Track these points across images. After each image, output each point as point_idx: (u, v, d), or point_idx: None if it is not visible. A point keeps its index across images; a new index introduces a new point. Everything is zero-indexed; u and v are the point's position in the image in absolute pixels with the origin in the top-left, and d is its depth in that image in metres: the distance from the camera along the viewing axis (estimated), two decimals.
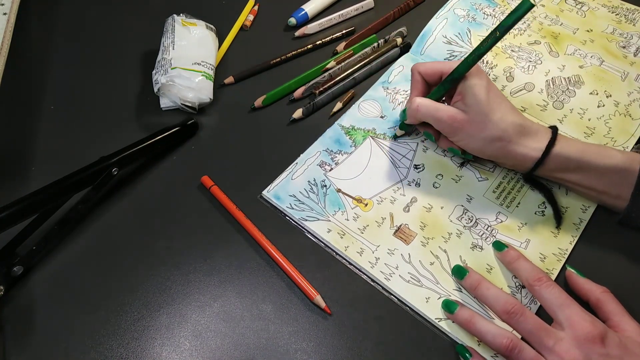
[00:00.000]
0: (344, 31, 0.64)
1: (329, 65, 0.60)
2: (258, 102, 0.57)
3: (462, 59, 0.47)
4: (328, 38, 0.63)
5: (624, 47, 0.61)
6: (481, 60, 0.59)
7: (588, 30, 0.63)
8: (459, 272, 0.45)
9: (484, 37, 0.45)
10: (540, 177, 0.49)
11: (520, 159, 0.47)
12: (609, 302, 0.42)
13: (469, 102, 0.46)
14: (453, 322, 0.43)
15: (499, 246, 0.46)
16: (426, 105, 0.48)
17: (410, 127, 0.53)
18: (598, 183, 0.46)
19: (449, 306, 0.43)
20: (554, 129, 0.47)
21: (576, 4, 0.66)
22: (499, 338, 0.39)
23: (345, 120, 0.56)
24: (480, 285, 0.43)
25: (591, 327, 0.38)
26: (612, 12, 0.65)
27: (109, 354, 0.42)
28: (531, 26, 0.64)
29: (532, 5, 0.42)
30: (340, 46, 0.63)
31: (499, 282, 0.45)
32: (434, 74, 0.50)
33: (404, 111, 0.52)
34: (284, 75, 0.59)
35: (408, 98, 0.52)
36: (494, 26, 0.63)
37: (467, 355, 0.41)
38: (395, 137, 0.54)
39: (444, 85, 0.48)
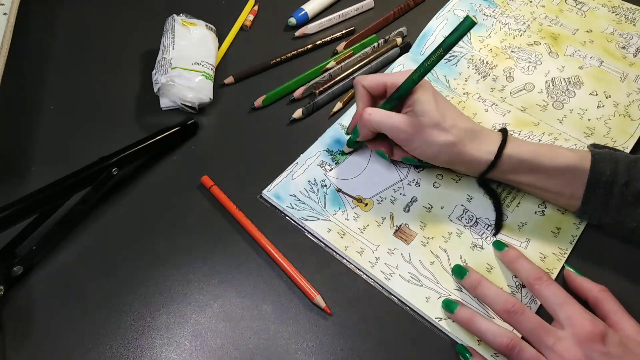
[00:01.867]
0: (344, 31, 0.64)
1: (329, 65, 0.60)
2: (258, 102, 0.57)
3: (404, 71, 0.47)
4: (328, 38, 0.63)
5: (623, 48, 0.61)
6: (480, 60, 0.60)
7: (588, 31, 0.63)
8: (459, 272, 0.45)
9: (428, 54, 0.45)
10: (494, 181, 0.49)
11: (475, 163, 0.46)
12: (608, 301, 0.42)
13: (419, 111, 0.45)
14: (453, 321, 0.43)
15: (499, 245, 0.46)
16: (379, 114, 0.47)
17: (358, 144, 0.52)
18: (551, 184, 0.46)
19: (449, 306, 0.43)
20: (504, 132, 0.47)
21: (576, 4, 0.66)
22: (500, 337, 0.40)
23: (346, 119, 0.56)
24: (480, 284, 0.43)
25: (592, 326, 0.38)
26: (612, 12, 0.66)
27: (109, 354, 0.42)
28: (531, 27, 0.64)
29: (474, 23, 0.42)
30: (340, 46, 0.63)
31: (499, 281, 0.45)
32: (377, 86, 0.49)
33: (355, 129, 0.50)
34: (284, 75, 0.59)
35: (354, 114, 0.51)
36: (493, 27, 0.63)
37: (467, 355, 0.41)
38: (343, 154, 0.53)
39: (390, 102, 0.48)
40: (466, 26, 0.42)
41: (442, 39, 0.61)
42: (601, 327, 0.39)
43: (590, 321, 0.39)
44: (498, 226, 0.48)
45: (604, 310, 0.41)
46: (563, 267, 0.46)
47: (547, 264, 0.46)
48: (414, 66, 0.60)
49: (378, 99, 0.50)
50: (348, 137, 0.53)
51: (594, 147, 0.48)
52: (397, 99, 0.47)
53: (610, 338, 0.38)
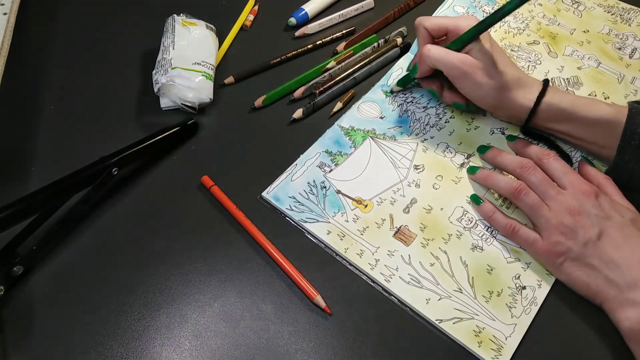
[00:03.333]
0: (344, 31, 0.64)
1: (329, 65, 0.60)
2: (258, 102, 0.57)
3: (468, 17, 0.51)
4: (328, 38, 0.63)
5: (619, 49, 0.62)
6: None
7: (585, 31, 0.64)
8: (482, 149, 0.52)
9: (501, 6, 0.48)
10: (535, 129, 0.52)
11: (517, 109, 0.51)
12: (609, 186, 0.47)
13: (476, 54, 0.50)
14: (474, 180, 0.50)
15: (472, 169, 0.51)
16: (438, 50, 0.51)
17: (409, 83, 0.57)
18: (587, 134, 0.49)
19: (472, 170, 0.51)
20: (545, 82, 0.51)
21: (572, 3, 0.67)
22: (510, 182, 0.47)
23: (345, 121, 0.56)
24: (500, 154, 0.51)
25: (589, 187, 0.45)
26: (608, 12, 0.66)
27: (109, 354, 0.42)
28: (530, 26, 0.64)
29: None
30: (341, 46, 0.63)
31: (500, 282, 0.45)
32: (440, 29, 0.53)
33: (414, 66, 0.54)
34: (284, 75, 0.59)
35: (415, 54, 0.55)
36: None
37: (479, 200, 0.49)
38: (391, 92, 0.57)
39: (453, 45, 0.51)
40: None
41: None
42: (597, 189, 0.46)
43: (589, 185, 0.46)
44: (566, 157, 0.52)
45: (606, 191, 0.46)
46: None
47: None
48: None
49: (438, 41, 0.54)
50: (397, 79, 0.57)
51: (633, 103, 0.49)
52: (460, 42, 0.51)
53: (603, 197, 0.45)
